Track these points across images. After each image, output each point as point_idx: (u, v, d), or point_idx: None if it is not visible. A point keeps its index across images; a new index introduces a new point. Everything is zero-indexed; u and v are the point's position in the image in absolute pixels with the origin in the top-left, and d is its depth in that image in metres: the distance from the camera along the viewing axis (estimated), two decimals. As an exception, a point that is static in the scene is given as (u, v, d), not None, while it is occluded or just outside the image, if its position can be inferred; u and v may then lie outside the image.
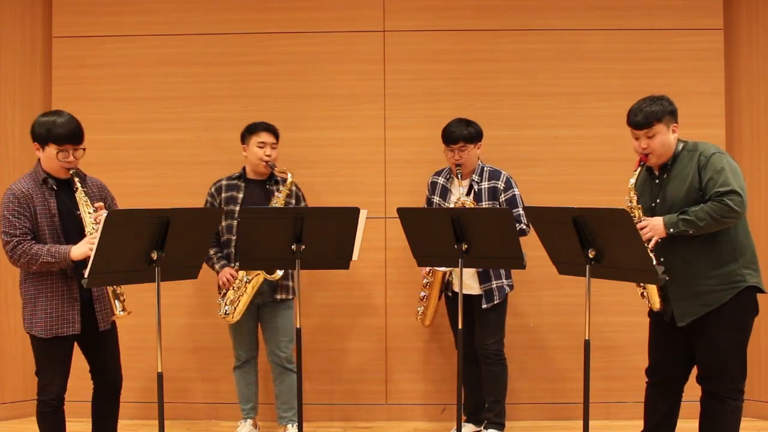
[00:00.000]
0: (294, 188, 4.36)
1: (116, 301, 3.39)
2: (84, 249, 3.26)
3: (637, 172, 3.41)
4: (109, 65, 4.83)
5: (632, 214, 3.32)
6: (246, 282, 4.17)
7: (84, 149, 3.43)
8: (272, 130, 4.32)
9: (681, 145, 3.40)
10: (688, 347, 3.43)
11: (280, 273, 4.14)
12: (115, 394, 3.65)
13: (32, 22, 4.89)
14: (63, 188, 3.42)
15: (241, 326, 4.30)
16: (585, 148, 4.76)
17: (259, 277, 4.14)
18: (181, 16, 4.83)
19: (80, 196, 3.36)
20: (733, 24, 4.81)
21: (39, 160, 3.44)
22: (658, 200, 3.41)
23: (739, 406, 3.36)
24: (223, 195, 4.31)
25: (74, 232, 3.37)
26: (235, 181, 4.33)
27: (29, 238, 3.31)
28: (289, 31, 4.83)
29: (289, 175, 4.23)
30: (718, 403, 3.35)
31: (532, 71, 4.79)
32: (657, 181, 3.44)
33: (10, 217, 3.31)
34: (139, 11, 4.83)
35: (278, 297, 4.25)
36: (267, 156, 4.25)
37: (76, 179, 3.38)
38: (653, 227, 3.28)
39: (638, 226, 3.23)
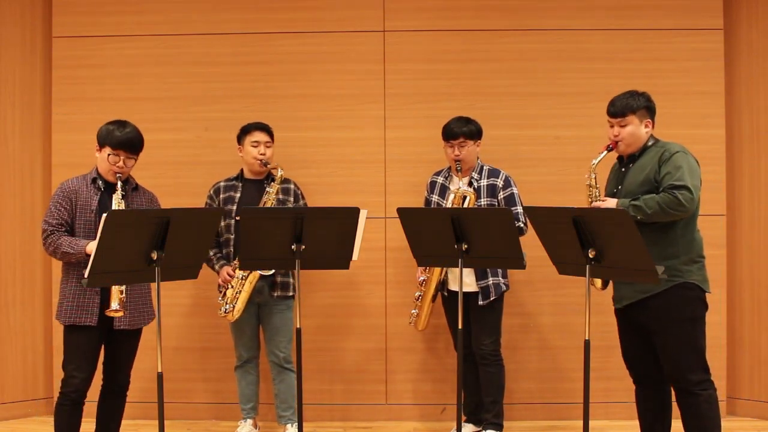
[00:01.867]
0: (293, 186, 4.37)
1: (115, 299, 3.40)
2: None
3: (602, 155, 3.61)
4: (109, 65, 4.83)
5: (590, 192, 3.62)
6: (242, 279, 4.17)
7: (136, 160, 3.62)
8: (266, 129, 4.35)
9: (652, 141, 3.57)
10: (649, 342, 3.51)
11: (273, 270, 4.16)
12: (121, 393, 3.72)
13: (32, 22, 4.89)
14: (109, 191, 3.57)
15: (242, 325, 4.30)
16: (585, 148, 4.72)
17: (255, 273, 4.15)
18: (181, 16, 4.83)
19: (117, 196, 3.50)
20: (733, 24, 4.81)
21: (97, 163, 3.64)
22: (620, 186, 3.58)
23: (712, 395, 3.41)
24: (222, 196, 4.34)
25: None
26: (233, 182, 4.37)
27: (63, 229, 3.48)
28: (289, 31, 4.83)
29: (280, 171, 4.24)
30: (690, 397, 3.40)
31: (532, 71, 4.79)
32: (623, 169, 3.61)
33: (52, 207, 3.53)
34: (139, 11, 4.83)
35: (275, 294, 4.25)
36: (261, 155, 4.28)
37: (119, 183, 3.54)
38: (606, 208, 3.47)
39: (594, 204, 3.54)
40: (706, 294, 3.46)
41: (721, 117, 4.77)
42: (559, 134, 4.78)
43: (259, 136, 4.31)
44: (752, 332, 4.75)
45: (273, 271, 4.17)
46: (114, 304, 3.40)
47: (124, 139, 3.54)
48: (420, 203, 4.48)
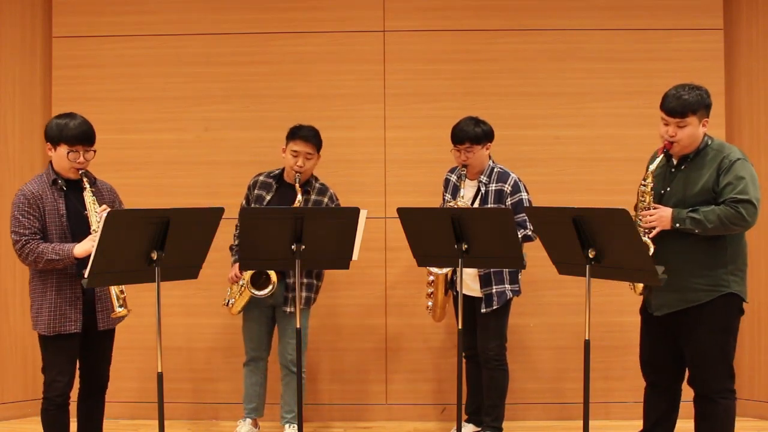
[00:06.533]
0: (326, 200, 4.26)
1: (117, 299, 3.40)
2: (87, 246, 3.31)
3: (658, 160, 3.35)
4: (109, 65, 4.83)
5: (642, 199, 3.35)
6: (241, 287, 4.19)
7: (95, 151, 3.51)
8: (309, 140, 4.17)
9: (707, 141, 3.36)
10: (676, 347, 3.46)
11: (265, 292, 4.11)
12: (101, 393, 3.68)
13: (32, 22, 4.88)
14: (72, 189, 3.48)
15: (252, 323, 4.32)
16: (585, 148, 4.76)
17: (246, 293, 4.16)
18: (181, 16, 4.83)
19: (88, 195, 3.42)
20: (733, 24, 4.81)
21: (51, 162, 3.51)
22: (668, 188, 3.39)
23: (731, 405, 3.37)
24: (255, 192, 4.30)
25: (82, 231, 3.42)
26: (270, 180, 4.29)
27: (38, 237, 3.37)
28: (289, 31, 4.83)
29: (299, 197, 4.10)
30: (710, 403, 3.36)
31: (532, 71, 4.79)
32: (673, 170, 3.41)
33: (20, 217, 3.38)
34: (139, 11, 4.83)
35: (287, 309, 4.22)
36: (299, 167, 4.14)
37: (85, 179, 3.44)
38: (660, 218, 3.29)
39: (646, 212, 3.30)
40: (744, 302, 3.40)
41: (721, 117, 4.76)
42: (559, 134, 4.78)
43: (300, 147, 4.15)
44: (752, 333, 4.75)
45: (267, 292, 4.11)
46: (117, 308, 3.39)
47: (79, 133, 3.42)
48: (420, 203, 4.45)
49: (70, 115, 3.50)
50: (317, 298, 4.37)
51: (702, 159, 3.33)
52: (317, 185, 4.30)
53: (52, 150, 3.47)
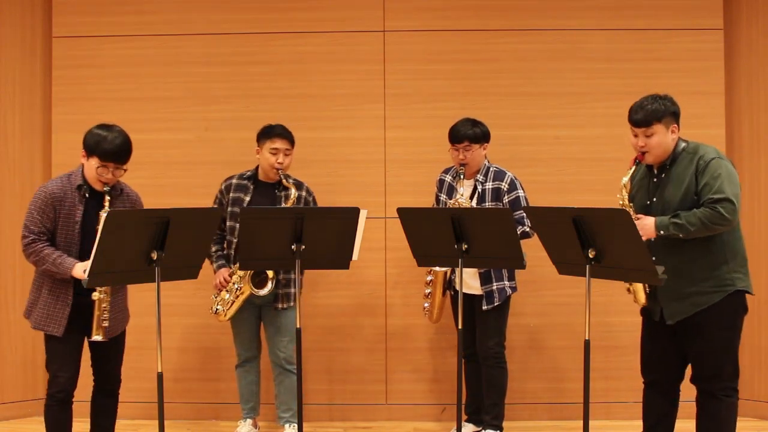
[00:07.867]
0: (304, 194, 4.28)
1: (96, 326, 3.38)
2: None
3: (631, 171, 3.42)
4: (109, 65, 4.83)
5: None
6: (237, 290, 4.18)
7: (125, 170, 3.48)
8: (287, 137, 4.22)
9: (682, 146, 3.41)
10: (680, 347, 3.45)
11: (266, 290, 4.12)
12: (113, 393, 3.69)
13: (32, 22, 4.89)
14: (94, 199, 3.46)
15: (242, 325, 4.31)
16: (585, 148, 4.76)
17: (246, 289, 4.15)
18: (181, 16, 4.83)
19: (103, 216, 3.34)
20: (733, 24, 4.81)
21: (83, 165, 3.50)
22: (654, 199, 3.43)
23: (734, 403, 3.38)
24: (231, 195, 4.28)
25: (90, 243, 3.35)
26: (245, 182, 4.29)
27: (45, 238, 3.39)
28: (289, 31, 4.84)
29: (293, 192, 4.15)
30: (714, 401, 3.36)
31: (532, 71, 4.79)
32: (655, 180, 3.45)
33: (35, 213, 3.40)
34: (139, 11, 4.83)
35: (279, 306, 4.24)
36: (279, 163, 4.18)
37: (107, 198, 3.41)
38: (644, 226, 3.30)
39: None
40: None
41: (721, 117, 4.77)
42: (559, 134, 4.78)
43: (280, 144, 4.18)
44: (752, 332, 4.75)
45: (267, 291, 4.13)
46: (97, 336, 3.38)
47: (113, 151, 3.39)
48: (420, 203, 4.47)
49: (110, 128, 3.47)
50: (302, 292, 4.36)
51: (680, 164, 3.37)
52: (292, 180, 4.29)
53: (85, 158, 3.45)
